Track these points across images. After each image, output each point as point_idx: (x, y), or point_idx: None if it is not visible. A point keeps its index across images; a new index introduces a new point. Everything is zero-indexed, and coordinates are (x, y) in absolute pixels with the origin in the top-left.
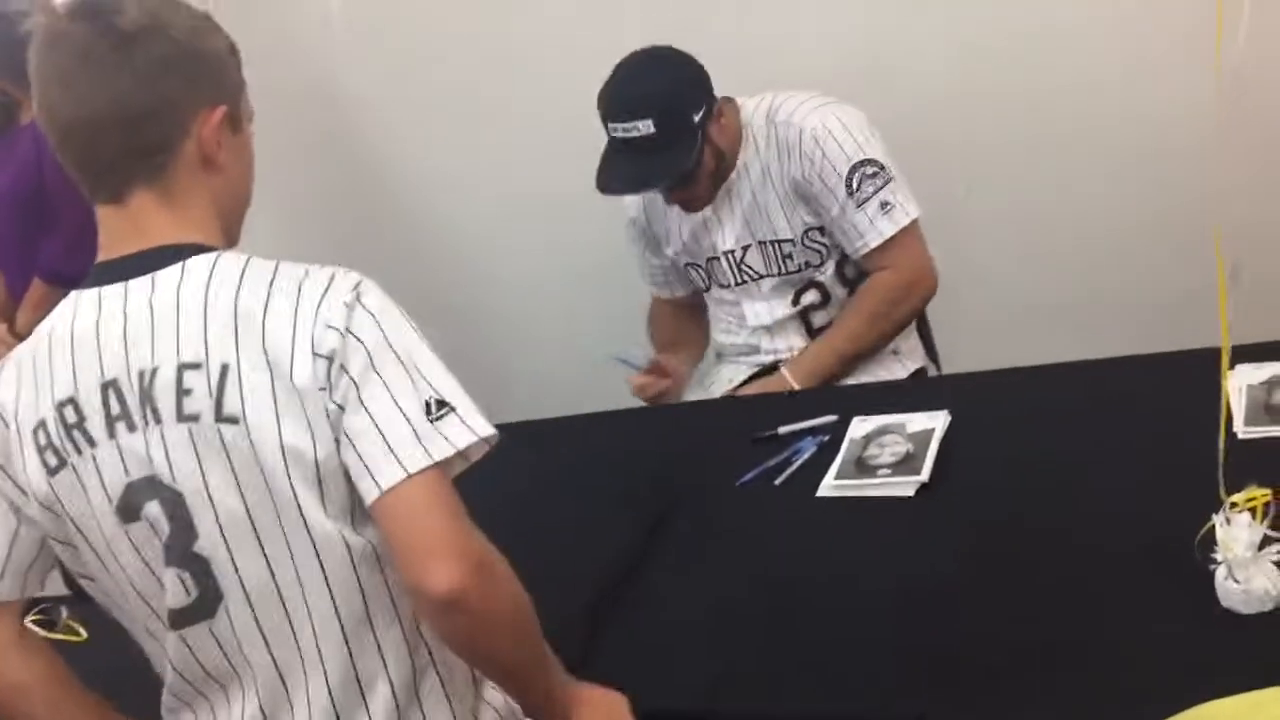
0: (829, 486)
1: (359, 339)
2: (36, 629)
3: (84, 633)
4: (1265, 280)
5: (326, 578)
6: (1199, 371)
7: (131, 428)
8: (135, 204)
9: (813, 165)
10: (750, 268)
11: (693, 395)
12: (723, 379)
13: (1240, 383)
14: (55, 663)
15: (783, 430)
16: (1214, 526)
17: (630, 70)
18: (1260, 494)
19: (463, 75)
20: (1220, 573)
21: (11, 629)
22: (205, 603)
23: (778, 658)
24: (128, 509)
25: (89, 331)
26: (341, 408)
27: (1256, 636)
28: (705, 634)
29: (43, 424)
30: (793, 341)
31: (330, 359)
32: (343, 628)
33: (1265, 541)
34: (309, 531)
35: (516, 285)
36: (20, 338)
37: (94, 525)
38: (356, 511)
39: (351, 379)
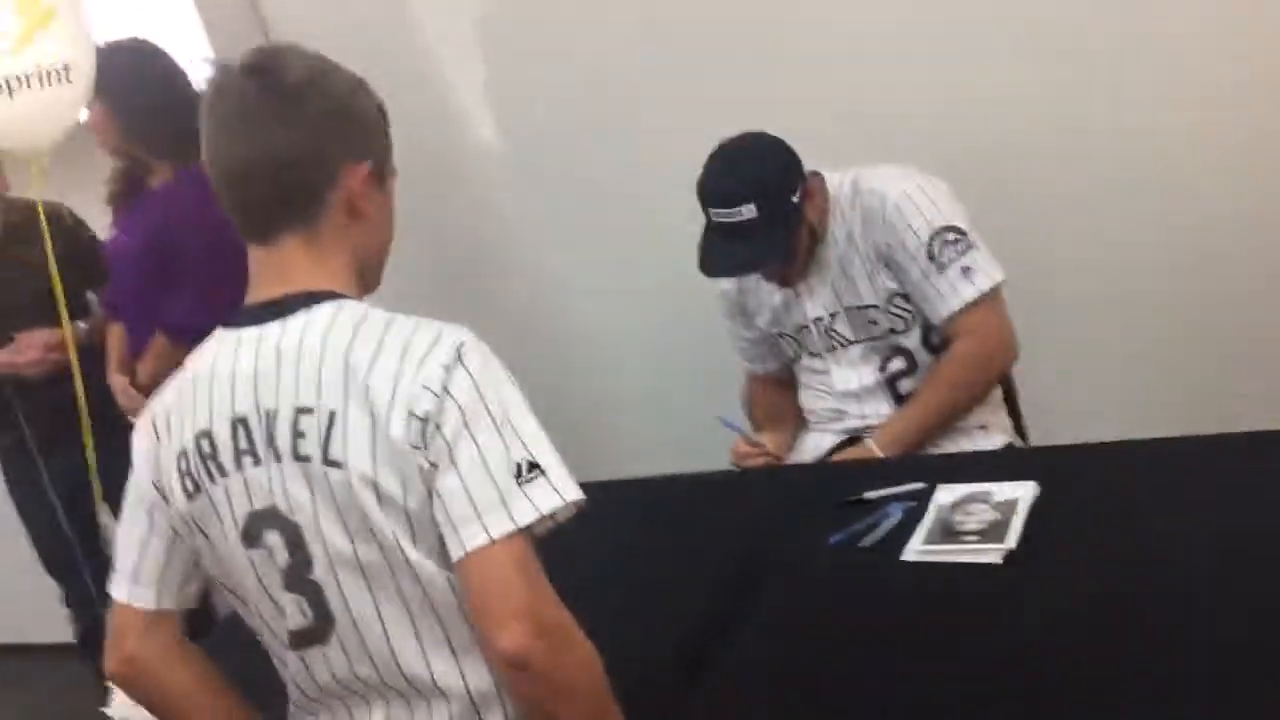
0: (914, 551)
1: (455, 399)
2: None
3: None
4: None
5: (435, 609)
6: None
7: (256, 462)
8: (282, 247)
9: (895, 231)
10: (839, 334)
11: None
12: (809, 446)
13: None
14: (213, 671)
15: (869, 495)
16: None
17: (729, 157)
18: None
19: (579, 166)
20: None
21: (172, 637)
22: (320, 627)
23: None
24: (250, 535)
25: (226, 370)
26: (435, 466)
27: None
28: (791, 695)
29: (184, 452)
30: (879, 408)
31: (425, 420)
32: (454, 653)
33: None
34: (411, 568)
35: (617, 354)
36: (141, 389)
37: (224, 546)
38: (443, 557)
39: (445, 440)
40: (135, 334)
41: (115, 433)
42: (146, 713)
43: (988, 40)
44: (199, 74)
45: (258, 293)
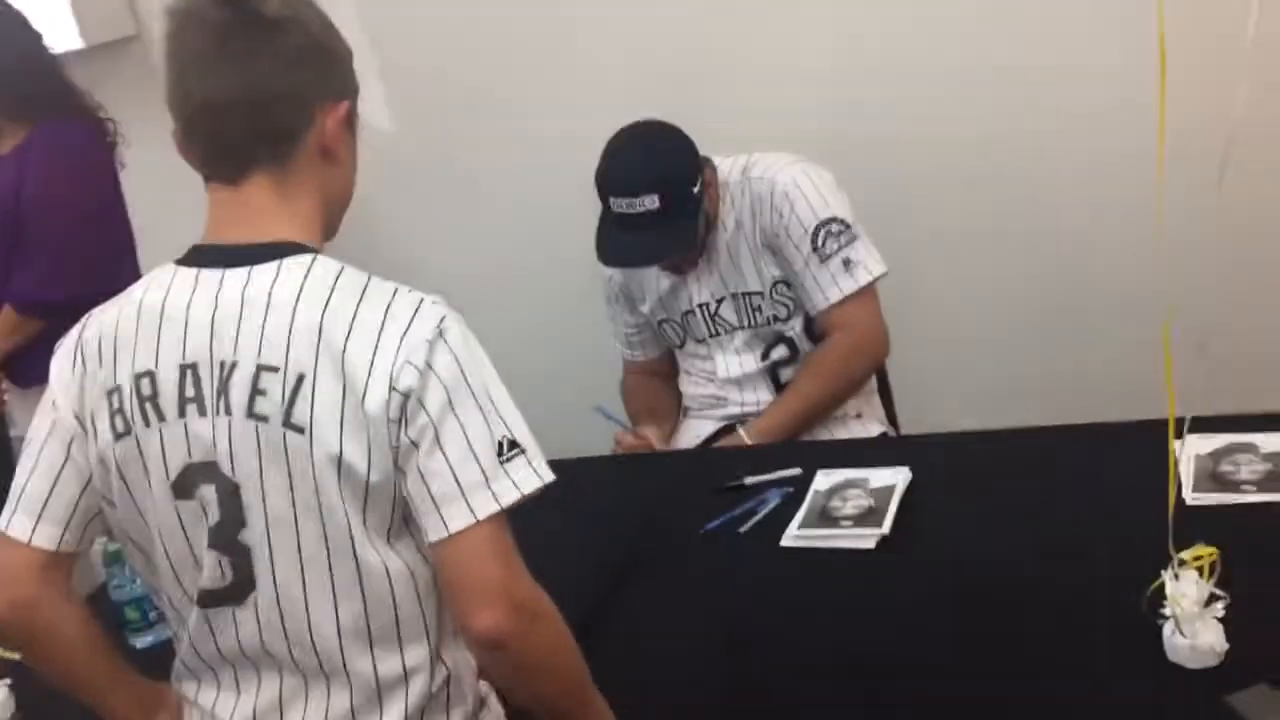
0: (792, 536)
1: (439, 377)
2: None
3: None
4: (1217, 356)
5: (363, 591)
6: (1150, 441)
7: (202, 412)
8: (250, 187)
9: (781, 219)
10: (724, 320)
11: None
12: (689, 434)
13: (1190, 452)
14: (96, 625)
15: (749, 481)
16: (1163, 583)
17: (630, 147)
18: (1208, 552)
19: (455, 141)
20: (1168, 628)
21: (67, 582)
22: (237, 589)
23: (736, 702)
24: (182, 487)
25: (179, 310)
26: (415, 445)
27: (1203, 690)
28: (666, 679)
29: (118, 389)
30: (760, 395)
31: (407, 395)
32: (371, 639)
33: (1211, 599)
34: (352, 546)
35: (499, 336)
36: None
37: (146, 494)
38: (393, 532)
39: (430, 419)
40: None
41: None
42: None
43: (875, 38)
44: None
45: (221, 233)
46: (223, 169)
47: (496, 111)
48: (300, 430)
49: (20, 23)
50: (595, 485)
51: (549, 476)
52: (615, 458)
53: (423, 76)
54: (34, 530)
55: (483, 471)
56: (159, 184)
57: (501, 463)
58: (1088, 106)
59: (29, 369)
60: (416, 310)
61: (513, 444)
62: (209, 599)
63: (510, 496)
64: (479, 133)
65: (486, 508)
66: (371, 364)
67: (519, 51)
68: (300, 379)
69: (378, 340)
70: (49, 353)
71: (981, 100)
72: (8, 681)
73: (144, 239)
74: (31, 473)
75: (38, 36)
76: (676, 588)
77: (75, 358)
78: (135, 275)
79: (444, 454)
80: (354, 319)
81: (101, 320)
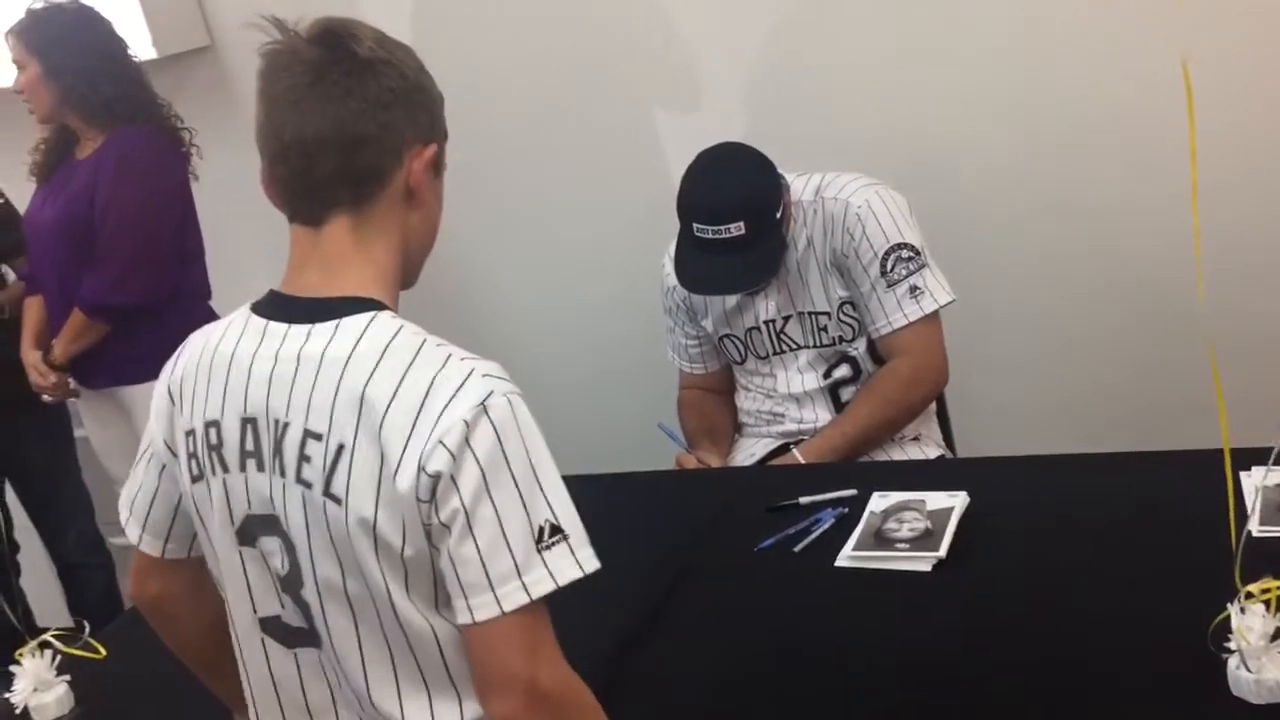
0: (847, 557)
1: (476, 458)
2: (58, 643)
3: (104, 650)
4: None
5: (413, 652)
6: (1215, 470)
7: (260, 468)
8: (329, 229)
9: (852, 240)
10: (789, 338)
11: None
12: (744, 452)
13: (1256, 482)
14: (223, 622)
15: (803, 500)
16: (1228, 616)
17: (715, 172)
18: (1275, 585)
19: (524, 168)
20: (1233, 662)
21: (191, 579)
22: (314, 633)
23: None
24: (245, 535)
25: (244, 361)
26: (447, 527)
27: None
28: (716, 699)
29: (193, 433)
30: (819, 414)
31: (437, 478)
32: (429, 694)
33: (1278, 633)
34: (395, 611)
35: (558, 353)
36: (54, 367)
37: (215, 533)
38: (440, 601)
39: (462, 503)
40: (54, 309)
41: (28, 411)
42: (50, 697)
43: (937, 64)
44: (134, 44)
45: (295, 278)
46: (305, 209)
47: (556, 125)
48: (338, 501)
49: (106, 28)
50: (650, 500)
51: (591, 566)
52: (671, 473)
53: (483, 92)
54: (141, 538)
55: (515, 561)
56: (228, 194)
57: (540, 550)
58: (1145, 130)
59: (97, 371)
60: (463, 383)
61: (555, 529)
62: (294, 638)
63: (543, 588)
64: (538, 146)
65: (515, 599)
66: (407, 441)
67: (580, 68)
68: (340, 449)
69: (417, 415)
70: (116, 355)
71: (1048, 129)
72: (67, 678)
73: (212, 248)
74: (139, 486)
75: (122, 43)
76: (729, 604)
77: (168, 391)
78: (203, 283)
79: (475, 541)
80: (398, 389)
81: (189, 357)
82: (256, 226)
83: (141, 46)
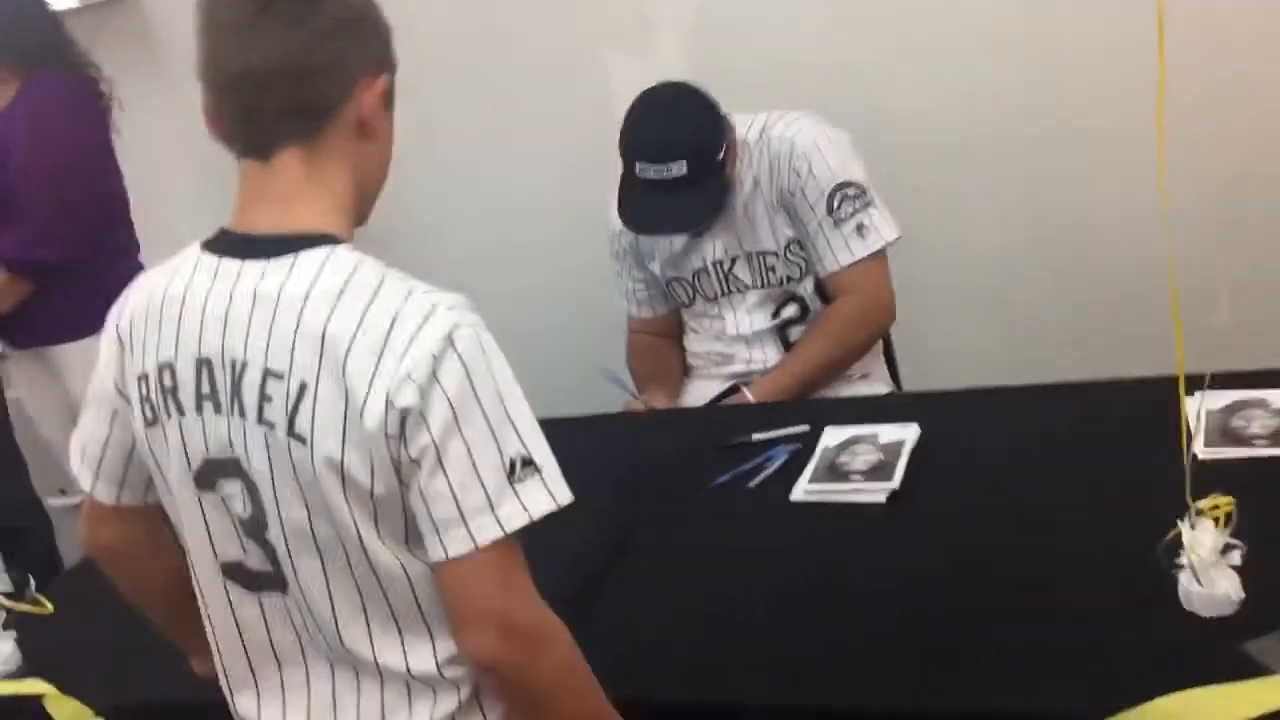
0: (802, 491)
1: (445, 392)
2: (4, 599)
3: (50, 606)
4: (1228, 311)
5: (384, 592)
6: (1159, 397)
7: (218, 410)
8: (280, 163)
9: (798, 178)
10: (737, 279)
11: None
12: (694, 394)
13: (1201, 408)
14: (180, 568)
15: (756, 437)
16: (1179, 533)
17: (658, 111)
18: (1224, 501)
19: (458, 96)
20: (1184, 577)
21: (145, 528)
22: (280, 576)
23: (749, 653)
24: (204, 479)
25: (197, 301)
26: (417, 463)
27: (1217, 638)
28: (678, 634)
29: (145, 377)
30: (768, 354)
31: (406, 412)
32: (400, 634)
33: (1227, 548)
34: (365, 551)
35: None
36: None
37: (173, 478)
38: (411, 539)
39: (432, 439)
40: None
41: None
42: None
43: (898, 7)
44: None
45: (247, 215)
46: (254, 143)
47: (498, 65)
48: (303, 440)
49: None
50: (602, 444)
51: (565, 498)
52: (623, 416)
53: (422, 30)
54: (94, 485)
55: (487, 495)
56: (153, 147)
57: (512, 483)
58: (1091, 64)
59: (25, 330)
60: (428, 317)
61: (527, 462)
62: (258, 582)
63: (517, 521)
64: (479, 86)
65: (488, 533)
66: (372, 377)
67: (523, 5)
68: (303, 387)
69: (381, 351)
70: (44, 314)
71: (985, 62)
72: (14, 634)
73: (138, 202)
74: (90, 433)
75: None
76: (687, 541)
77: (117, 335)
78: (130, 238)
79: (446, 476)
80: (360, 324)
81: (137, 300)
82: (183, 179)
83: None
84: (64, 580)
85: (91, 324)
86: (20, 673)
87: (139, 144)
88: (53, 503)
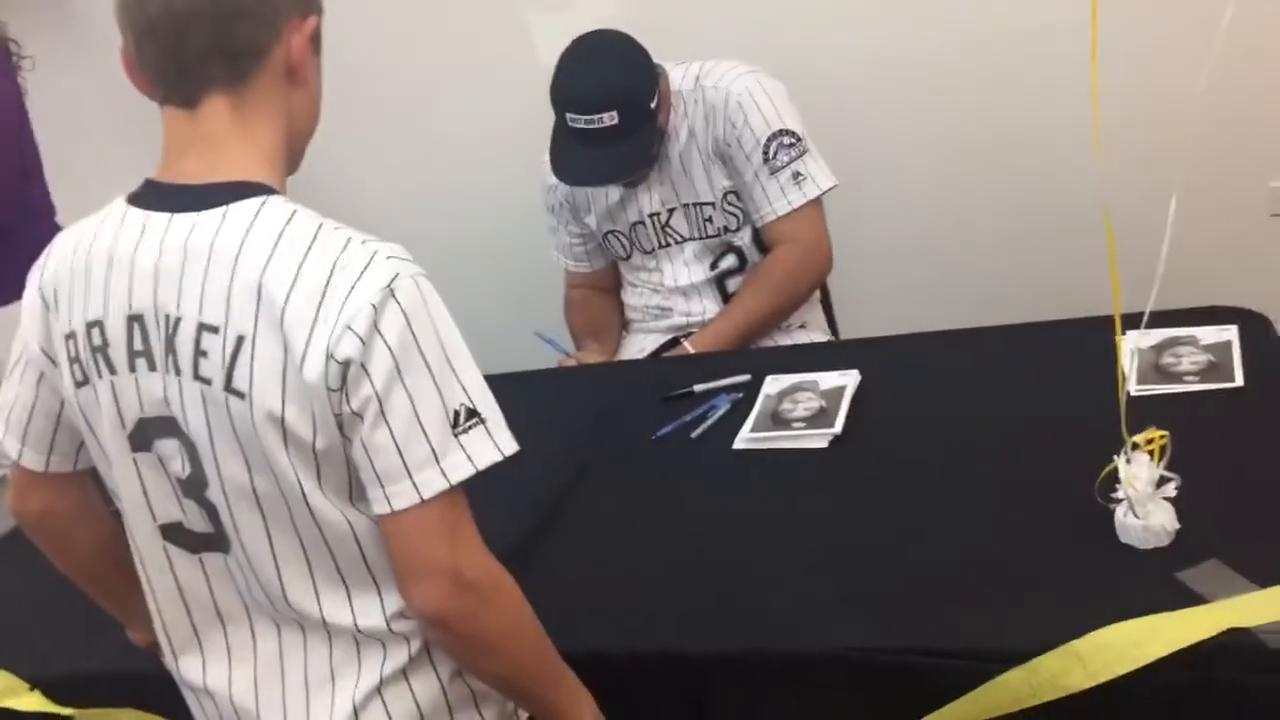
0: (745, 439)
1: (386, 343)
2: None
3: None
4: (1146, 255)
5: (329, 547)
6: (1092, 336)
7: (152, 367)
8: (207, 110)
9: (734, 128)
10: (674, 230)
11: None
12: (633, 348)
13: (1131, 346)
14: (120, 535)
15: (698, 388)
16: (1115, 468)
17: (587, 60)
18: (1159, 435)
19: (386, 44)
20: (1120, 510)
21: (76, 494)
22: (221, 536)
23: (697, 604)
24: (139, 440)
25: (125, 257)
26: (359, 415)
27: (1156, 569)
28: (625, 585)
29: (73, 335)
30: (706, 305)
31: (347, 364)
32: (347, 590)
33: (1162, 481)
34: (309, 507)
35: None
36: None
37: (105, 440)
38: (355, 493)
39: (374, 390)
40: None
41: None
42: None
43: None
44: None
45: (174, 166)
46: (179, 89)
47: (428, 13)
48: (241, 395)
49: None
50: (543, 398)
51: (511, 448)
52: (561, 370)
53: None
54: (21, 453)
55: (431, 447)
56: (66, 108)
57: (456, 434)
58: (1025, 17)
59: None
60: (367, 266)
61: (471, 413)
62: (199, 543)
63: (462, 472)
64: (407, 36)
65: (433, 485)
66: (311, 329)
67: None
68: (240, 341)
69: (320, 301)
70: None
71: (922, 13)
72: None
73: (50, 165)
74: (14, 399)
75: None
76: (631, 493)
77: (39, 294)
78: (47, 201)
79: (389, 427)
80: (297, 275)
81: (60, 257)
82: (99, 139)
83: None
84: None
85: (9, 291)
86: None
87: (49, 105)
88: None
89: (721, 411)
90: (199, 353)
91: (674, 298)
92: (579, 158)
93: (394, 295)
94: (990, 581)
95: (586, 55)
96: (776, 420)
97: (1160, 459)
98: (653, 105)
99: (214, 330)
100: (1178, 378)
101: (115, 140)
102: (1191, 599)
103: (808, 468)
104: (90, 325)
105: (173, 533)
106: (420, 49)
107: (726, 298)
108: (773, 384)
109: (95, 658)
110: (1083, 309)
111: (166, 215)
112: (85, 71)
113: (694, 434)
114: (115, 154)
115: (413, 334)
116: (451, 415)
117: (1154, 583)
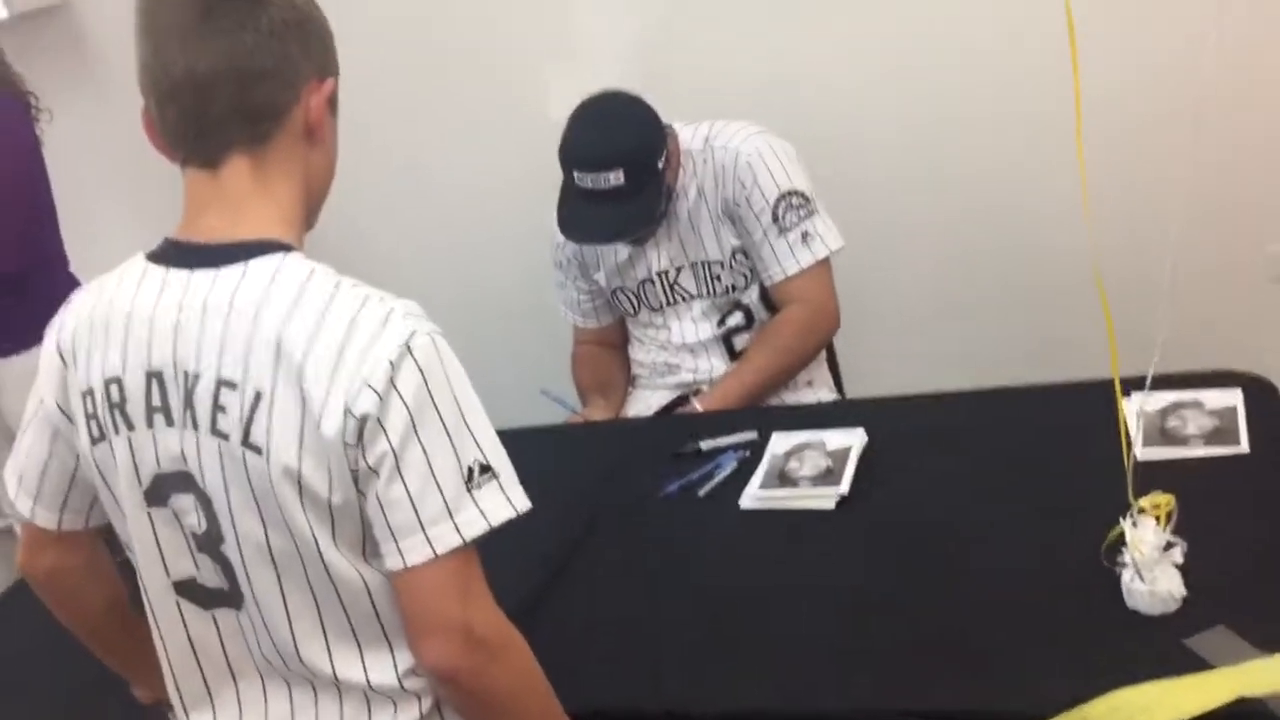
0: (751, 498)
1: (401, 398)
2: None
3: None
4: (1149, 322)
5: (343, 603)
6: (1095, 401)
7: (169, 423)
8: (228, 171)
9: (743, 188)
10: (683, 289)
11: None
12: (639, 404)
13: (1136, 409)
14: (120, 595)
15: (705, 445)
16: (1121, 533)
17: (594, 120)
18: (1165, 499)
19: (396, 103)
20: (1126, 575)
21: (86, 553)
22: (235, 593)
23: (703, 661)
24: (155, 495)
25: (145, 313)
26: (375, 471)
27: (1160, 635)
28: (630, 643)
29: (91, 392)
30: (714, 363)
31: (364, 420)
32: (359, 647)
33: (1169, 546)
34: (323, 562)
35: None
36: None
37: (122, 495)
38: (369, 550)
39: (390, 446)
40: None
41: None
42: None
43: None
44: None
45: (194, 224)
46: (200, 150)
47: (438, 72)
48: (258, 451)
49: None
50: (551, 455)
51: (523, 504)
52: (569, 427)
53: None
54: (33, 510)
55: (446, 503)
56: (81, 159)
57: (470, 490)
58: (1024, 83)
59: None
60: (384, 323)
61: (485, 468)
62: (212, 599)
63: (475, 528)
64: (419, 93)
65: (447, 541)
66: (329, 385)
67: (462, 22)
68: (258, 397)
69: (338, 358)
70: None
71: (924, 71)
72: None
73: (65, 215)
74: (28, 456)
75: None
76: (637, 551)
77: (58, 351)
78: (59, 246)
79: (404, 483)
80: (316, 332)
81: (79, 314)
82: (111, 191)
83: None
84: (2, 600)
85: (25, 339)
86: None
87: (65, 156)
88: None
89: (728, 470)
90: (217, 408)
91: (681, 355)
92: (585, 216)
93: (411, 353)
94: (996, 644)
95: (594, 115)
96: (783, 479)
97: (1166, 524)
98: (659, 165)
99: (232, 386)
100: (1183, 441)
101: (128, 191)
102: (1199, 665)
103: (814, 527)
104: (109, 382)
105: (186, 588)
106: (431, 103)
107: (734, 355)
108: (779, 442)
109: (102, 714)
110: (1093, 369)
111: (186, 272)
112: (101, 124)
113: (701, 492)
114: (128, 204)
115: (428, 391)
116: (466, 470)
117: (1161, 648)
